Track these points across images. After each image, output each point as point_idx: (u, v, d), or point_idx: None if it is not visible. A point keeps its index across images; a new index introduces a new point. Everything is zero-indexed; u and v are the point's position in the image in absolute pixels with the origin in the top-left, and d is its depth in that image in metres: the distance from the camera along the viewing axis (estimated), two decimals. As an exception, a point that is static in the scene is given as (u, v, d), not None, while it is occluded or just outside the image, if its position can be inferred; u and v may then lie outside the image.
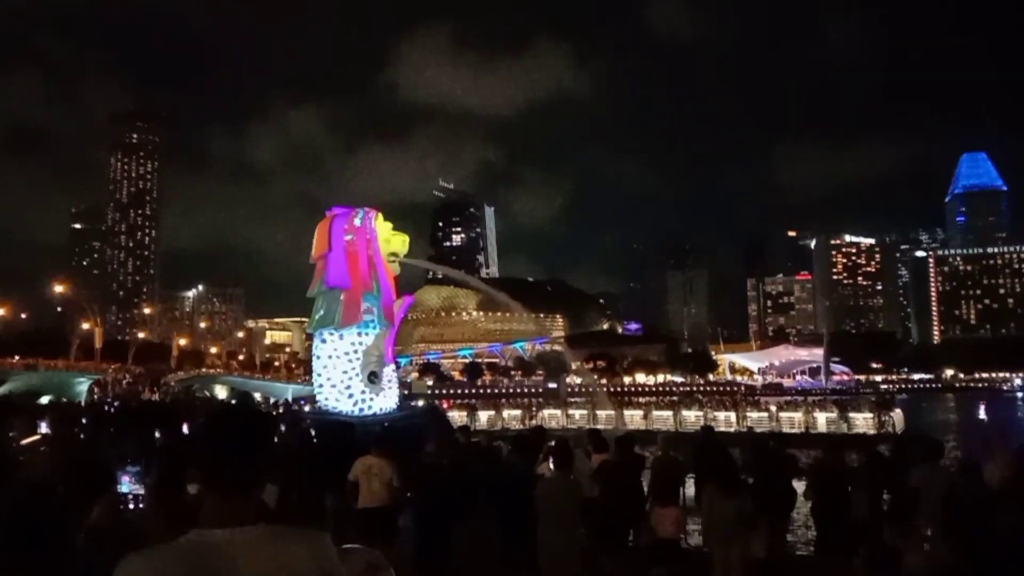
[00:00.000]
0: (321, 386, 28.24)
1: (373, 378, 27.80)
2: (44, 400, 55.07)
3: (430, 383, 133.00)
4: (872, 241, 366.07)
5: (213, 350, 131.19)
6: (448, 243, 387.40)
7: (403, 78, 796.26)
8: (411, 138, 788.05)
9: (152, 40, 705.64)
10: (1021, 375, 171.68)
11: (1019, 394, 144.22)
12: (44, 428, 21.21)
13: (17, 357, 74.21)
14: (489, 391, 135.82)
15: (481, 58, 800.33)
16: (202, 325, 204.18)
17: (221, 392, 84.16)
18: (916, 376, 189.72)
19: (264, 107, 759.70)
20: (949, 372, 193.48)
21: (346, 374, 27.45)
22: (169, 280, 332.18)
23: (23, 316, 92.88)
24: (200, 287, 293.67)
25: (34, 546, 2.53)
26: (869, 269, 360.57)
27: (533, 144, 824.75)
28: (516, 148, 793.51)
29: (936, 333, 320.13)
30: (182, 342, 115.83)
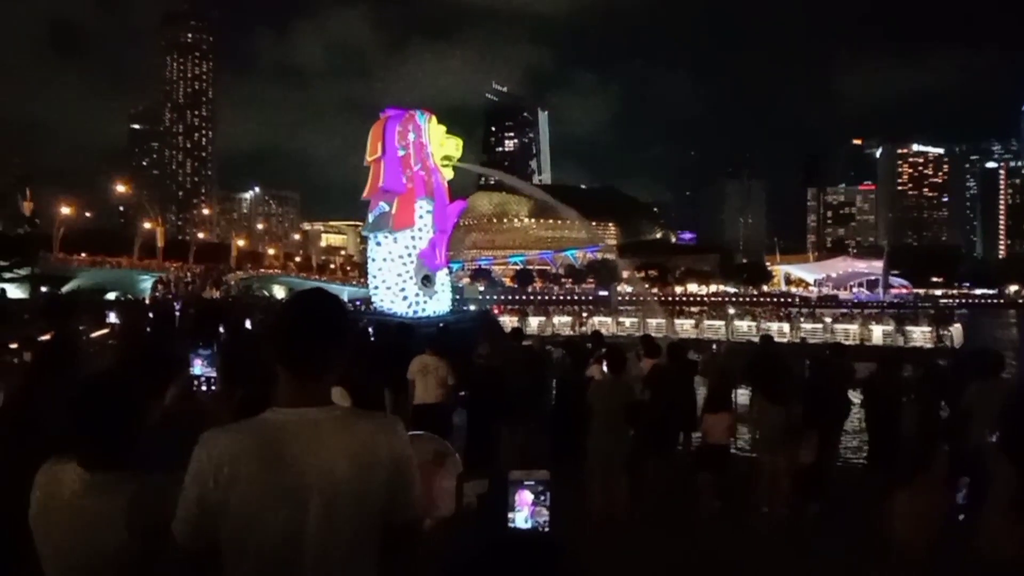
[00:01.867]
0: (376, 288, 28.75)
1: (426, 282, 28.16)
2: (110, 296, 57.14)
3: (481, 288, 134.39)
4: (941, 151, 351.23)
5: (270, 251, 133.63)
6: (500, 148, 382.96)
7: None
8: (459, 39, 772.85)
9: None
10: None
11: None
12: (112, 319, 22.09)
13: (83, 255, 76.75)
14: (540, 298, 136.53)
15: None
16: (259, 226, 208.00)
17: (279, 292, 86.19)
18: (979, 291, 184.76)
19: (309, 7, 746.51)
20: (1013, 288, 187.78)
21: (400, 276, 27.85)
22: (226, 181, 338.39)
23: (87, 215, 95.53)
24: (256, 189, 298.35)
25: (110, 423, 2.62)
26: (936, 180, 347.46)
27: (583, 48, 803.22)
28: (566, 51, 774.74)
29: (1002, 248, 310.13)
30: (240, 243, 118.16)
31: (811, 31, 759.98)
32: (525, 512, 2.50)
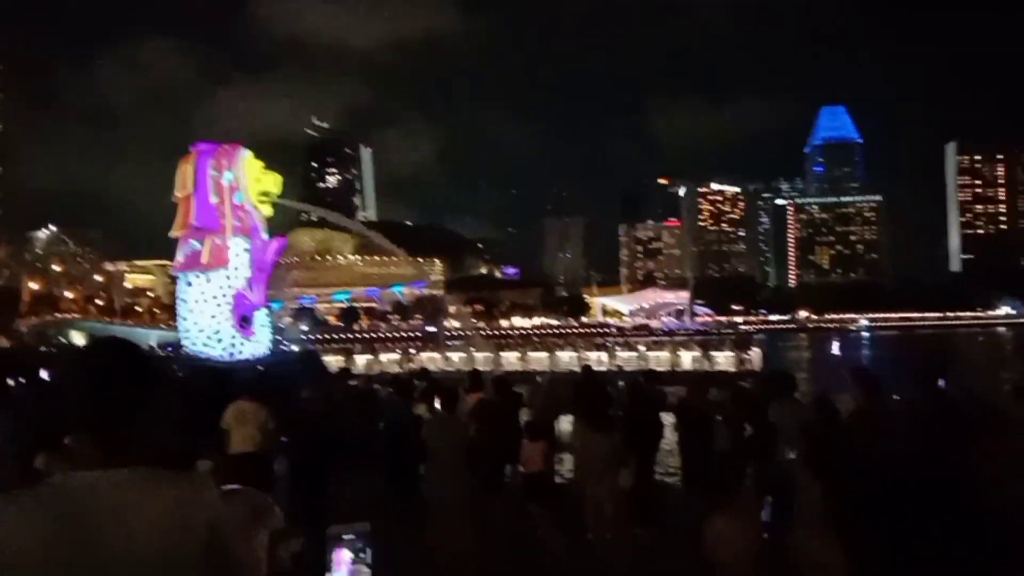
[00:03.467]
0: (188, 331, 27.13)
1: (244, 323, 26.96)
2: None
3: (304, 328, 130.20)
4: (737, 189, 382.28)
5: (69, 295, 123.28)
6: (322, 184, 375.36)
7: (269, 10, 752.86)
8: (276, 74, 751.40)
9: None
10: (866, 317, 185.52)
11: (864, 334, 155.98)
12: None
13: None
14: (367, 335, 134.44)
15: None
16: (56, 268, 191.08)
17: (79, 339, 79.43)
18: (774, 317, 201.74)
19: (116, 42, 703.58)
20: (803, 313, 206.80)
21: (215, 318, 26.46)
22: (17, 221, 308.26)
23: None
24: (53, 227, 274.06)
25: None
26: (733, 216, 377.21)
27: (406, 84, 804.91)
28: (388, 88, 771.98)
29: (793, 277, 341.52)
30: (34, 286, 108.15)
31: (625, 75, 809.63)
32: (343, 572, 2.28)
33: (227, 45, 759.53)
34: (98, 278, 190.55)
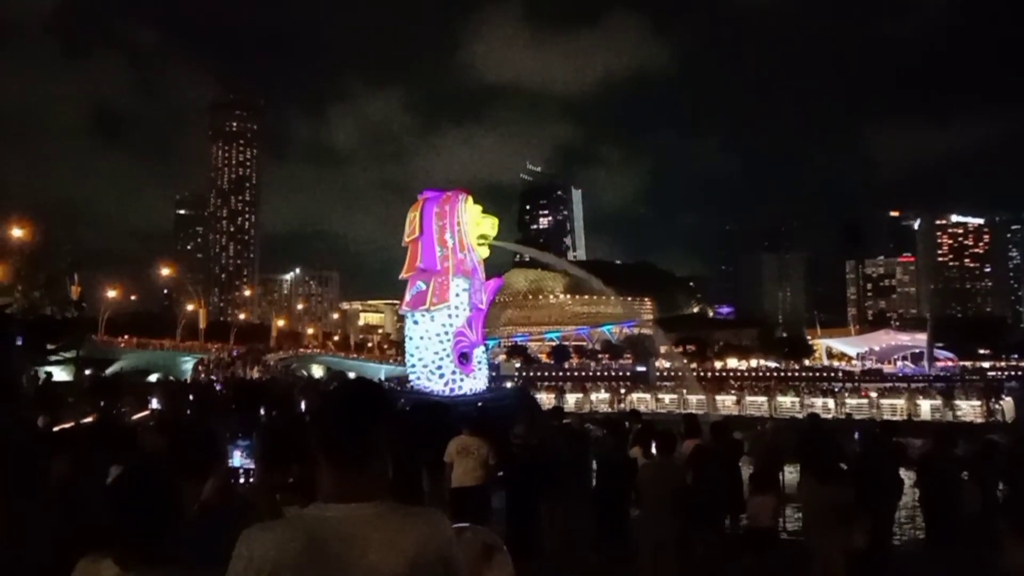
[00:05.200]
0: (413, 366, 28.74)
1: (464, 359, 28.14)
2: (153, 378, 57.92)
3: (517, 365, 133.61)
4: (981, 221, 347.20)
5: (310, 331, 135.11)
6: (535, 226, 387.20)
7: (476, 58, 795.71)
8: (487, 119, 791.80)
9: (230, 27, 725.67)
10: None
11: None
12: (154, 404, 22.32)
13: (128, 337, 78.24)
14: (577, 374, 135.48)
15: (554, 34, 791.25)
16: (299, 307, 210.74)
17: (317, 371, 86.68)
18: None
19: (343, 92, 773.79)
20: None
21: (437, 355, 27.83)
22: (268, 263, 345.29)
23: (132, 298, 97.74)
24: (297, 270, 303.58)
25: (147, 518, 2.58)
26: (977, 250, 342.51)
27: (611, 123, 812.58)
28: (594, 127, 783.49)
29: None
30: (280, 323, 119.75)
31: (842, 94, 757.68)
32: None
33: (438, 92, 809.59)
34: (335, 316, 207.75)
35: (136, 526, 2.56)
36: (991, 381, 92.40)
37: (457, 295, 28.05)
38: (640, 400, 46.67)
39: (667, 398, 47.26)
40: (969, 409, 39.22)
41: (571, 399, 47.33)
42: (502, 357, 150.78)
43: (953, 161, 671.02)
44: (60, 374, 47.71)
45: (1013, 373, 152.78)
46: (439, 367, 27.78)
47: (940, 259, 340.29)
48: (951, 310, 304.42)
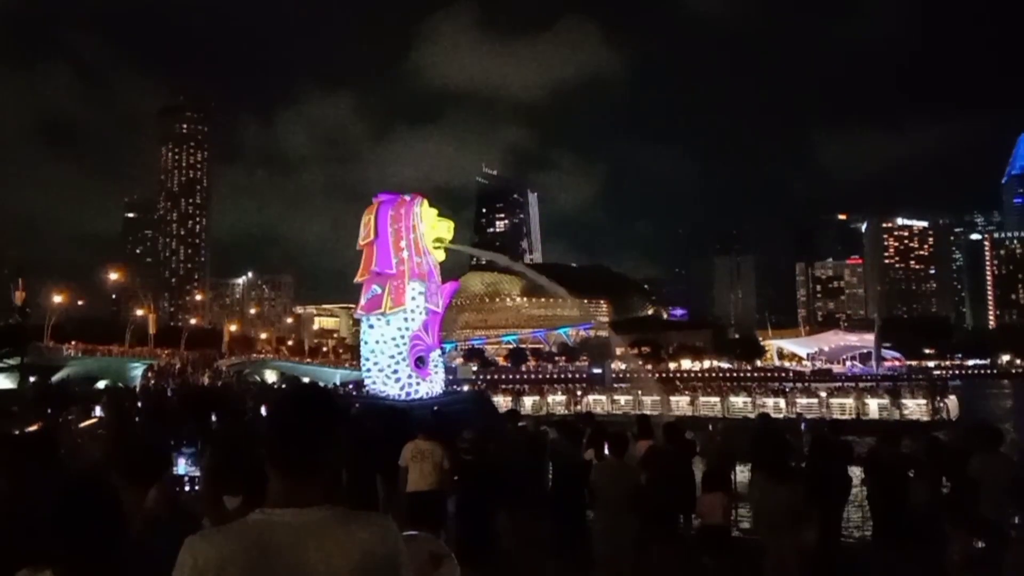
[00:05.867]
0: (369, 371, 28.52)
1: (420, 363, 28.01)
2: (101, 385, 56.58)
3: (475, 368, 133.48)
4: (925, 224, 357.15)
5: (263, 336, 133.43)
6: (492, 229, 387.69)
7: (430, 62, 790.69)
8: (441, 123, 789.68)
9: (177, 30, 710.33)
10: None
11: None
12: (98, 411, 21.80)
13: (75, 343, 76.30)
14: (533, 376, 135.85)
15: (507, 39, 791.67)
16: (252, 311, 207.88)
17: (271, 376, 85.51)
18: (971, 362, 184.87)
19: (294, 96, 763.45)
20: (1005, 358, 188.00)
21: (393, 359, 27.66)
22: (219, 268, 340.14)
23: (79, 303, 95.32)
24: (249, 274, 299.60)
25: (88, 532, 2.51)
26: (922, 253, 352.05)
27: (566, 127, 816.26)
28: (549, 131, 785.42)
29: (992, 318, 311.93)
30: (232, 328, 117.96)
31: (793, 100, 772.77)
32: None
33: (391, 96, 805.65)
34: (289, 320, 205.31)
35: (79, 540, 2.49)
36: (936, 380, 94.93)
37: (413, 299, 27.91)
38: (596, 402, 46.95)
39: (623, 399, 47.55)
40: (915, 407, 40.10)
41: (528, 402, 47.40)
42: (459, 360, 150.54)
43: (900, 166, 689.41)
44: (3, 382, 46.35)
45: (957, 372, 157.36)
46: (395, 371, 27.61)
47: (887, 261, 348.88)
48: (898, 311, 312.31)
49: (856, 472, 11.13)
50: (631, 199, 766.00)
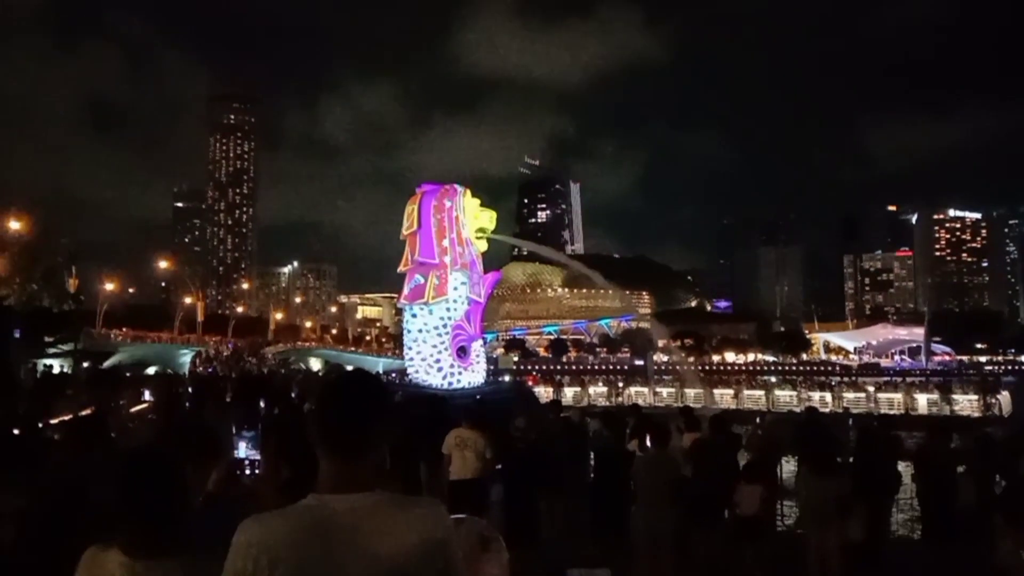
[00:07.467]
0: (411, 359, 28.79)
1: (462, 353, 28.18)
2: (150, 371, 57.92)
3: (516, 359, 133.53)
4: (978, 215, 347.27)
5: (307, 324, 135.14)
6: (533, 219, 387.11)
7: (469, 50, 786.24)
8: (482, 111, 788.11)
9: (222, 19, 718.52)
10: None
11: None
12: (146, 396, 22.34)
13: (125, 329, 78.07)
14: (575, 368, 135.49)
15: (546, 25, 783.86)
16: (297, 300, 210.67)
17: (315, 364, 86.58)
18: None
19: (337, 84, 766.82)
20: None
21: (435, 348, 27.88)
22: (265, 256, 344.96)
23: (130, 291, 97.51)
24: (295, 263, 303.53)
25: (157, 509, 2.57)
26: (974, 245, 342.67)
27: (606, 115, 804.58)
28: (589, 119, 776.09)
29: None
30: (278, 316, 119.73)
31: (840, 86, 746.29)
32: None
33: (431, 84, 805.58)
34: (333, 309, 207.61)
35: (144, 514, 2.55)
36: (988, 375, 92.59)
37: (455, 288, 28.09)
38: (638, 394, 46.75)
39: (665, 392, 47.31)
40: (966, 403, 39.33)
41: (569, 393, 47.39)
42: (500, 350, 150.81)
43: (951, 156, 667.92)
44: (58, 367, 47.71)
45: (1010, 367, 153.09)
46: (437, 360, 27.84)
47: (937, 254, 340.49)
48: (948, 304, 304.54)
49: (906, 468, 10.96)
50: (673, 188, 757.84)
